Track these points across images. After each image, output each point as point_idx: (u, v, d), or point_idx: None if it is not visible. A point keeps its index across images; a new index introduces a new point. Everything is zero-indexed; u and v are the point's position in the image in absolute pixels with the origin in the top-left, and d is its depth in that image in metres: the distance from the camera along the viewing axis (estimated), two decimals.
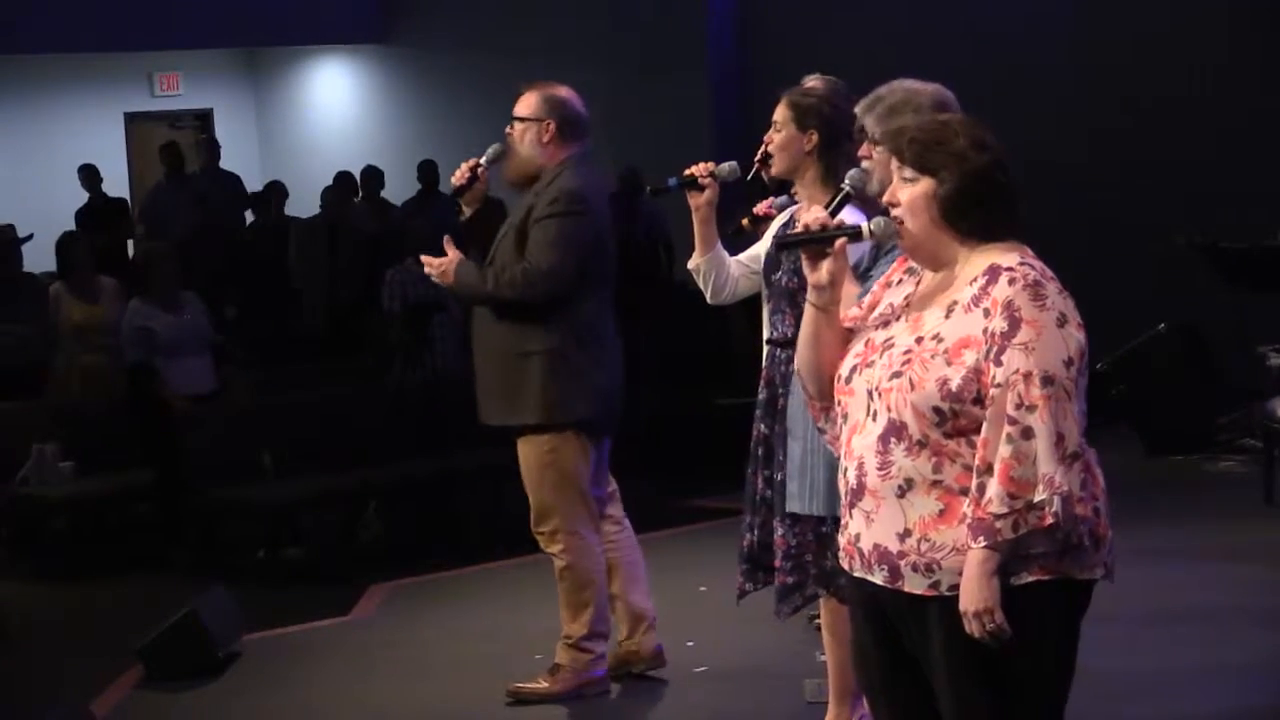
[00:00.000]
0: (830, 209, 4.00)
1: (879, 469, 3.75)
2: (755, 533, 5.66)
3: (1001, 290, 3.69)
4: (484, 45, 16.76)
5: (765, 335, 5.68)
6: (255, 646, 7.76)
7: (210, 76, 19.28)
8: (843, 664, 5.56)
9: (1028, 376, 3.61)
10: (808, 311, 3.95)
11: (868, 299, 3.98)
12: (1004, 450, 3.60)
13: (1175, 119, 12.86)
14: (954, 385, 3.67)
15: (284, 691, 7.26)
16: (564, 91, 6.58)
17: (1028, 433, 3.60)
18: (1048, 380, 3.61)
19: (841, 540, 3.89)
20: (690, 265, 5.89)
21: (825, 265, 3.85)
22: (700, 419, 11.47)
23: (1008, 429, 3.60)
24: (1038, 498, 3.59)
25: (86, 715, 6.69)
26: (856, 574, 3.84)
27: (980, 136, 3.79)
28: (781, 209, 5.93)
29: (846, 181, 4.21)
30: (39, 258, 12.11)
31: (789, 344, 5.52)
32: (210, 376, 10.37)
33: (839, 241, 3.84)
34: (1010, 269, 3.71)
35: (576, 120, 6.55)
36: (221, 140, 17.28)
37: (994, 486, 3.60)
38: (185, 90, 19.26)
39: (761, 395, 5.66)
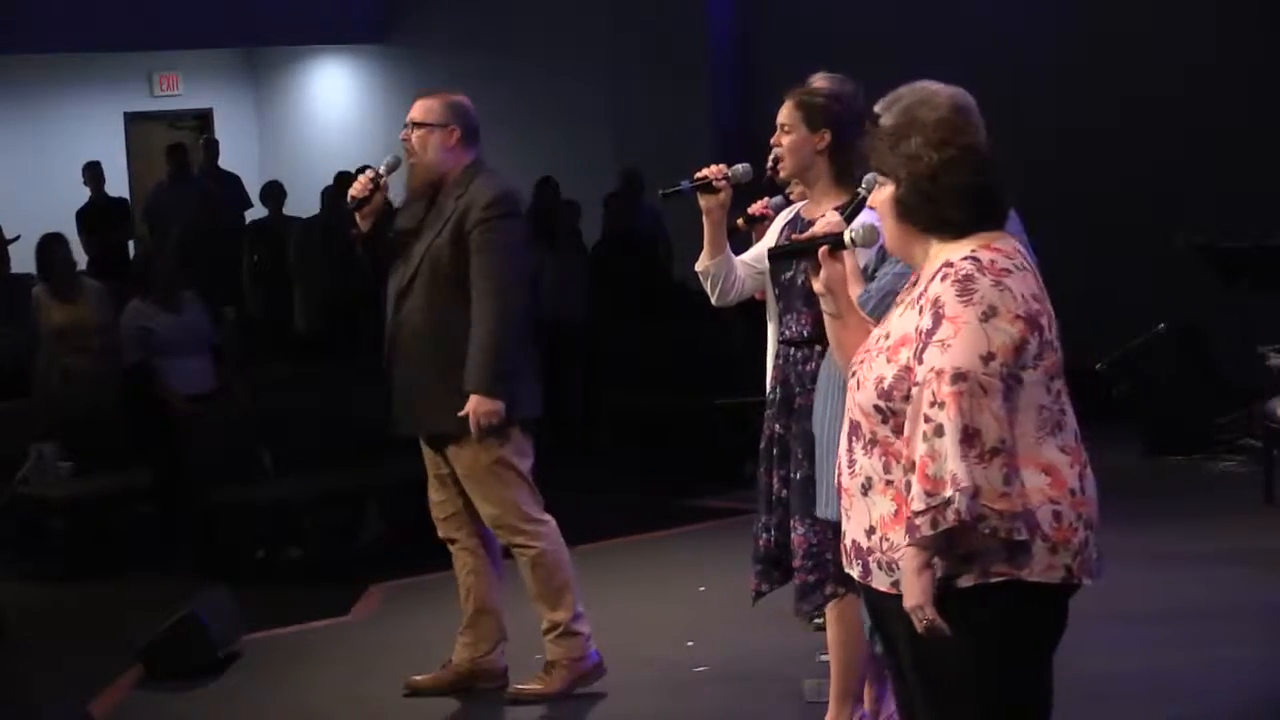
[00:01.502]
0: (845, 214, 4.05)
1: (848, 467, 3.85)
2: (772, 533, 5.61)
3: (935, 287, 3.73)
4: (484, 45, 16.76)
5: (779, 335, 5.64)
6: (255, 646, 7.76)
7: (210, 76, 19.29)
8: (845, 665, 5.55)
9: (940, 373, 3.63)
10: (825, 320, 4.03)
11: None
12: (920, 448, 3.63)
13: (1174, 119, 12.85)
14: (887, 384, 3.73)
15: (284, 691, 7.26)
16: (462, 97, 6.63)
17: (939, 430, 3.61)
18: (959, 376, 3.61)
19: None
20: (699, 268, 5.82)
21: (822, 273, 3.94)
22: (700, 419, 11.47)
23: (923, 426, 3.63)
24: (946, 494, 3.60)
25: (86, 715, 6.69)
26: (846, 569, 3.93)
27: (943, 135, 3.82)
28: (777, 209, 5.90)
29: (863, 185, 4.22)
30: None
31: (803, 343, 5.51)
32: (210, 376, 10.37)
33: (821, 249, 3.92)
34: (949, 264, 3.73)
35: (475, 126, 6.61)
36: (221, 140, 17.28)
37: (914, 484, 3.64)
38: (185, 90, 19.26)
39: (774, 395, 5.62)
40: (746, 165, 5.74)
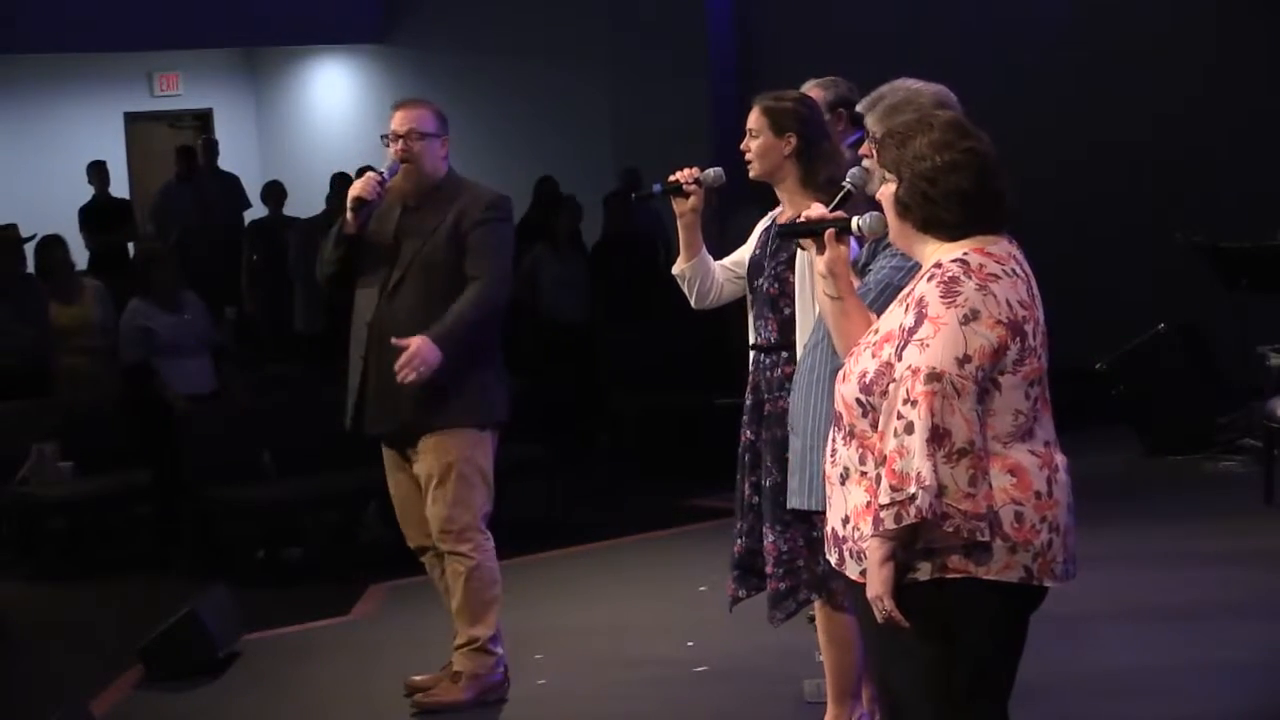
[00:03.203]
0: (832, 208, 4.09)
1: (830, 456, 3.94)
2: (744, 539, 5.67)
3: (922, 286, 3.80)
4: (484, 45, 16.77)
5: (752, 340, 5.69)
6: (255, 646, 7.76)
7: (210, 76, 19.29)
8: (840, 666, 5.57)
9: (916, 372, 3.70)
10: (825, 304, 4.09)
11: None
12: (890, 443, 3.70)
13: (1175, 119, 12.86)
14: (869, 378, 3.81)
15: (284, 691, 7.26)
16: (439, 108, 6.68)
17: (910, 427, 3.68)
18: (933, 377, 3.67)
19: None
20: (675, 271, 5.88)
21: (823, 256, 4.02)
22: (700, 419, 11.47)
23: (895, 423, 3.70)
24: (910, 490, 3.66)
25: (86, 715, 6.69)
26: (825, 553, 4.01)
27: (947, 138, 3.86)
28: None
29: (848, 180, 4.26)
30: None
31: (772, 349, 5.58)
32: (210, 376, 10.37)
33: (827, 232, 4.00)
34: (939, 265, 3.79)
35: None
36: (221, 140, 17.28)
37: (882, 478, 3.71)
38: (185, 90, 19.26)
39: (747, 401, 5.68)
40: (719, 170, 5.77)
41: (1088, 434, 9.98)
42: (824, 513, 5.35)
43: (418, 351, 6.36)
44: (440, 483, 6.52)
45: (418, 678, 6.78)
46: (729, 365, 11.79)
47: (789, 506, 5.39)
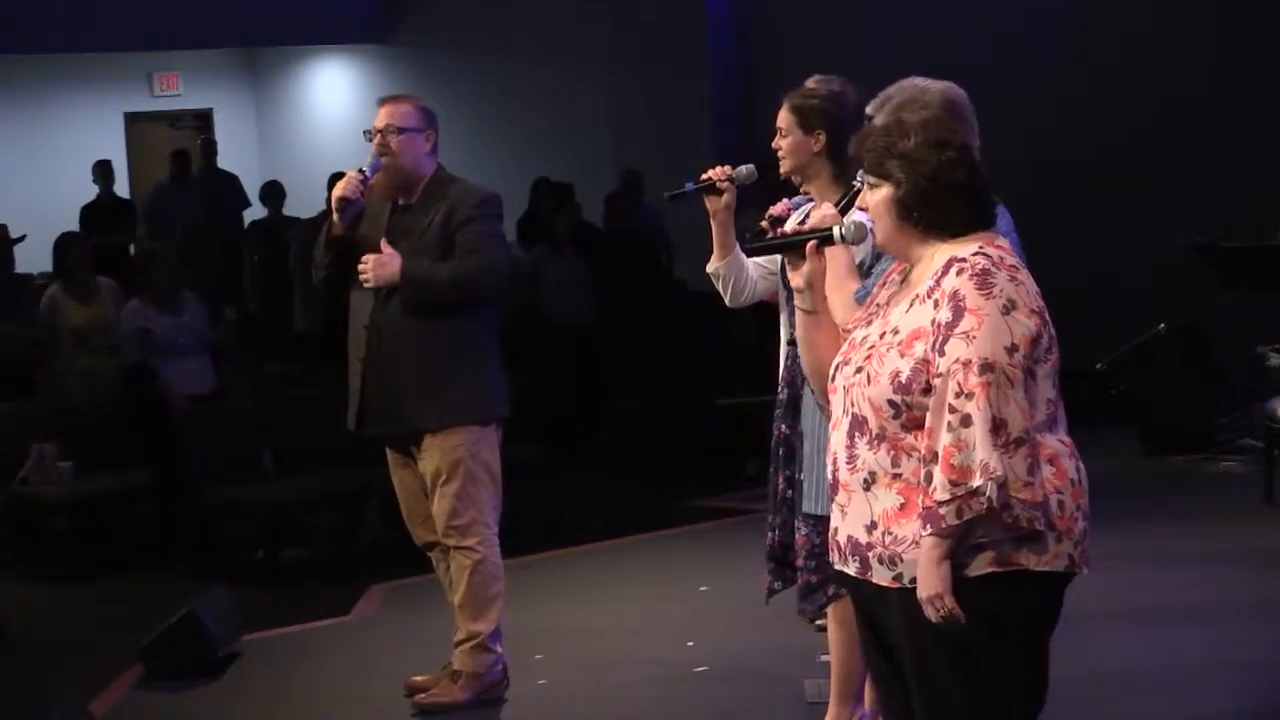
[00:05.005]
0: (840, 206, 4.08)
1: (847, 463, 3.84)
2: (776, 532, 5.65)
3: (950, 281, 3.76)
4: (484, 45, 16.76)
5: (786, 336, 5.67)
6: (255, 646, 7.76)
7: (210, 76, 19.29)
8: (846, 665, 5.56)
9: (967, 364, 3.66)
10: (797, 316, 4.04)
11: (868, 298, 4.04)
12: (945, 438, 3.65)
13: (1175, 119, 12.85)
14: (904, 377, 3.75)
15: (284, 691, 7.26)
16: (427, 103, 6.65)
17: (967, 420, 3.64)
18: (986, 367, 3.65)
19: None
20: (709, 269, 5.85)
21: (803, 269, 3.96)
22: (700, 419, 11.48)
23: (948, 417, 3.66)
24: (975, 484, 3.62)
25: (86, 715, 6.69)
26: (837, 566, 3.94)
27: (937, 135, 3.85)
28: (799, 209, 5.92)
29: (858, 180, 4.25)
30: (38, 258, 12.10)
31: None
32: (209, 376, 10.35)
33: (809, 245, 3.95)
34: (961, 260, 3.77)
35: (438, 133, 6.64)
36: (221, 140, 17.28)
37: (937, 474, 3.66)
38: (185, 90, 19.27)
39: (782, 395, 5.65)
40: (750, 167, 5.77)
41: (1088, 434, 9.96)
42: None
43: (387, 260, 6.38)
44: (447, 479, 6.52)
45: (418, 678, 6.78)
46: (729, 365, 11.83)
47: (802, 510, 5.38)
